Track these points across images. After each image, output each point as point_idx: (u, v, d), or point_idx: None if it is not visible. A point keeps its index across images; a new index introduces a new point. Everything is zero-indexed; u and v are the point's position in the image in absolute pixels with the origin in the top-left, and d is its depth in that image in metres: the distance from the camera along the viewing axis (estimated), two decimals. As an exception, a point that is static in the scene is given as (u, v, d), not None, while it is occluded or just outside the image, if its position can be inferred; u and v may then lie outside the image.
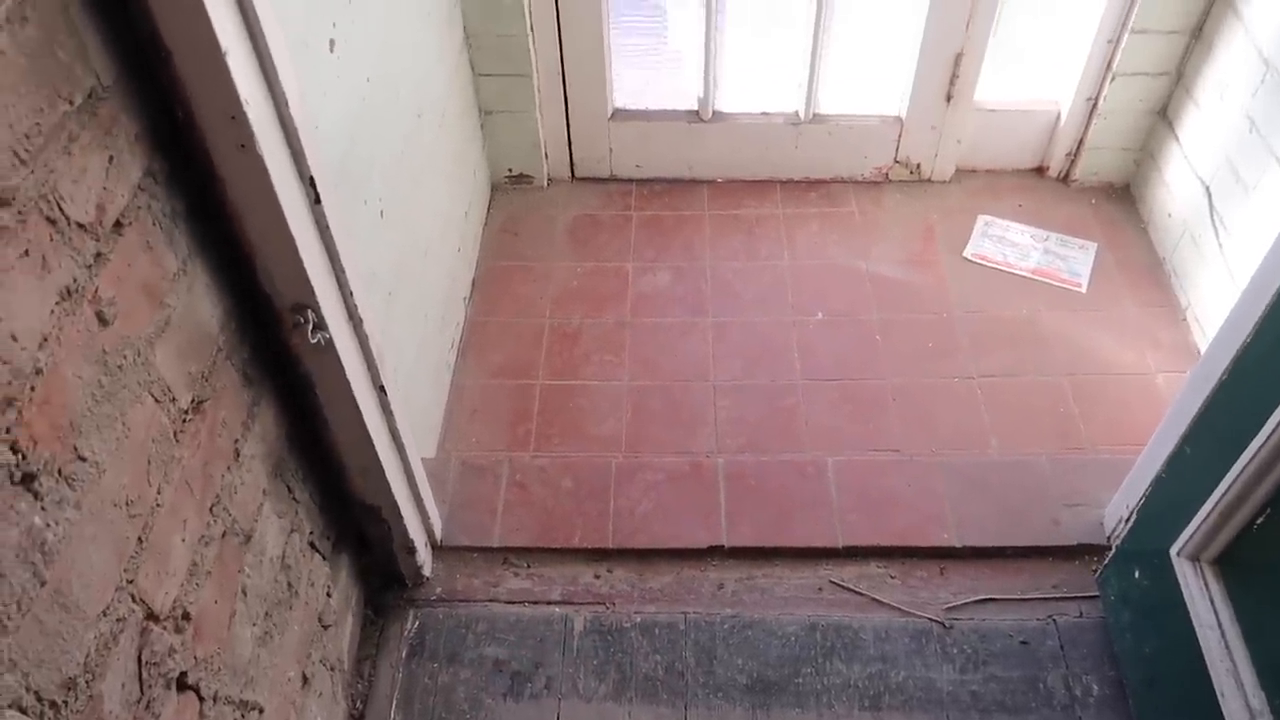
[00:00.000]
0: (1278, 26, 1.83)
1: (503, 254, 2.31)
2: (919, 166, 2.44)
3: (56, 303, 0.77)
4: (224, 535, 1.06)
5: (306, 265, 1.06)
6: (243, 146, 0.93)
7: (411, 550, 1.53)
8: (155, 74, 0.89)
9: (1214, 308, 2.02)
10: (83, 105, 0.80)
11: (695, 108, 2.37)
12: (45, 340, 0.75)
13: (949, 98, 2.29)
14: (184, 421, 0.97)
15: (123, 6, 0.84)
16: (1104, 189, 2.42)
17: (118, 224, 0.85)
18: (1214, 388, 1.21)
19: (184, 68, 0.88)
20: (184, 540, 0.97)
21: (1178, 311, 2.14)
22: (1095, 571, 1.53)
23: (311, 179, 1.05)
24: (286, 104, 0.98)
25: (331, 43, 1.36)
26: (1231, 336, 1.18)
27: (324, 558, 1.37)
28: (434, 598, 1.59)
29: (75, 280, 0.79)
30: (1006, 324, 2.12)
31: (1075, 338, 2.09)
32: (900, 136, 2.38)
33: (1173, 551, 1.23)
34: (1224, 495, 1.11)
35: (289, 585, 1.25)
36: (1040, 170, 2.48)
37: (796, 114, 2.36)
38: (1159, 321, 2.12)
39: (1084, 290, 2.18)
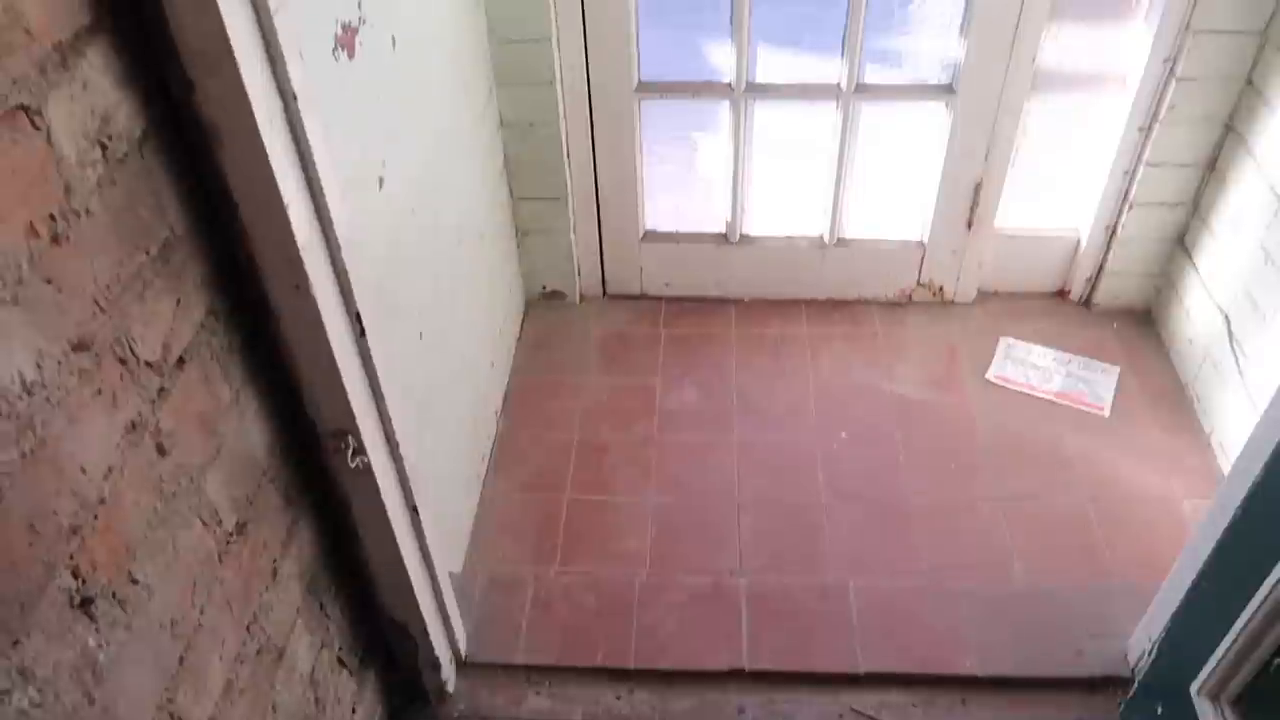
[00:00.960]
0: (1287, 164, 1.89)
1: (535, 369, 2.38)
2: (941, 289, 2.50)
3: (122, 435, 0.83)
4: (259, 653, 1.10)
5: (349, 394, 1.12)
6: (297, 287, 1.01)
7: (436, 667, 1.55)
8: (223, 222, 0.97)
9: (1237, 435, 2.03)
10: (157, 255, 0.88)
11: (724, 231, 2.46)
12: (110, 471, 0.82)
13: (970, 224, 2.36)
14: (228, 543, 1.02)
15: (196, 165, 0.93)
16: (1125, 313, 2.46)
17: (180, 360, 0.92)
18: (1228, 524, 1.22)
19: (250, 218, 0.96)
20: (221, 659, 1.01)
21: (1201, 437, 2.15)
22: (1119, 705, 1.51)
23: (358, 314, 1.12)
24: (339, 248, 1.06)
25: (380, 180, 1.46)
26: (1244, 474, 1.20)
27: (351, 673, 1.40)
28: (456, 716, 1.60)
29: (140, 414, 0.86)
30: (1030, 447, 2.14)
31: (1099, 462, 2.10)
32: (923, 260, 2.45)
33: (1193, 689, 1.23)
34: (1240, 634, 1.12)
35: (316, 701, 1.28)
36: (1062, 294, 2.53)
37: (821, 238, 2.44)
38: (1183, 447, 2.13)
39: (1107, 414, 2.21)
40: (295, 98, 0.94)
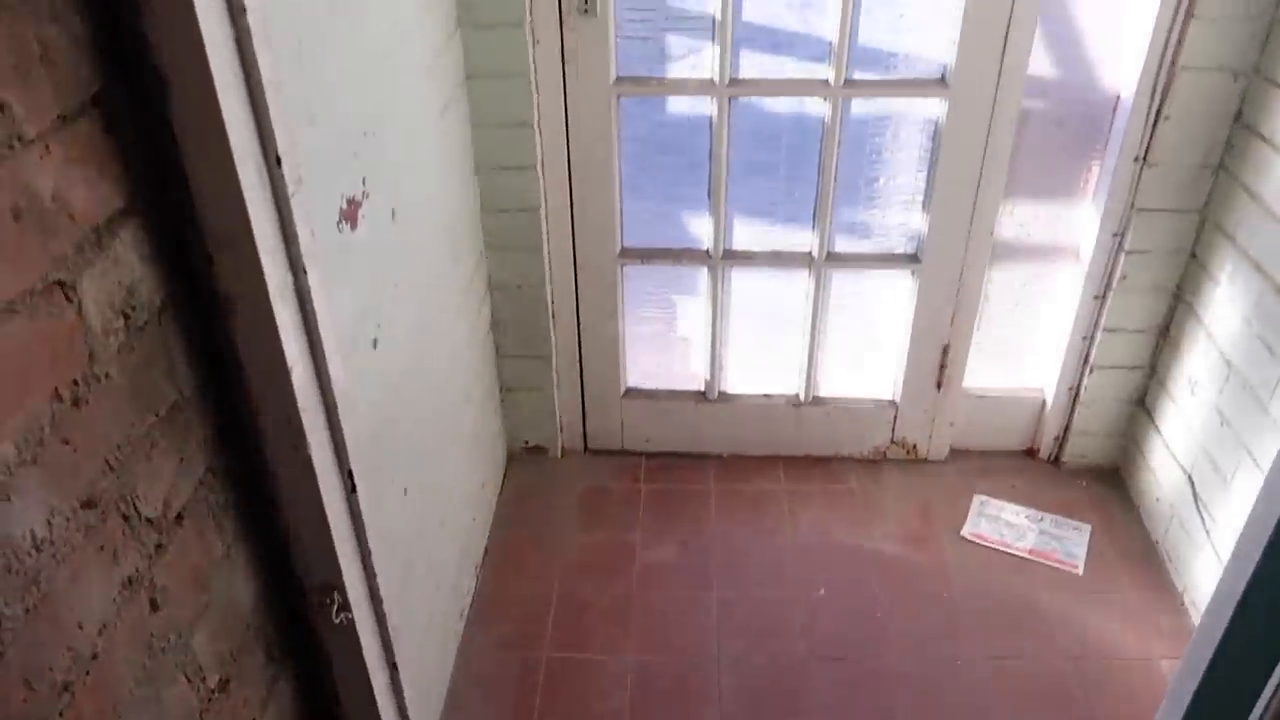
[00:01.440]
0: (1235, 331, 2.00)
1: (516, 523, 2.40)
2: (915, 446, 2.56)
3: (119, 591, 0.86)
4: (231, 817, 1.08)
5: (338, 550, 1.15)
6: (295, 446, 1.06)
7: (409, 834, 1.50)
8: (228, 384, 1.03)
9: (1209, 595, 2.05)
10: (165, 415, 0.93)
11: (703, 389, 2.54)
12: (104, 627, 0.84)
13: (939, 384, 2.45)
14: (210, 700, 1.02)
15: (208, 331, 0.99)
16: (1094, 471, 2.53)
17: (179, 516, 0.96)
18: (1196, 688, 1.24)
19: (254, 380, 1.01)
20: (195, 822, 1.00)
21: (1175, 596, 2.17)
22: None
23: (350, 471, 1.16)
24: (336, 407, 1.11)
25: (375, 341, 1.53)
26: (1208, 635, 1.23)
27: (321, 841, 1.36)
28: None
29: (137, 570, 0.88)
30: (1007, 605, 2.16)
31: (1076, 621, 2.11)
32: (895, 419, 2.52)
33: None
34: (1217, 799, 1.12)
35: None
36: (1031, 452, 2.60)
37: (797, 396, 2.52)
38: (1158, 606, 2.15)
39: (1080, 572, 2.23)
40: (305, 271, 1.01)
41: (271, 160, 0.93)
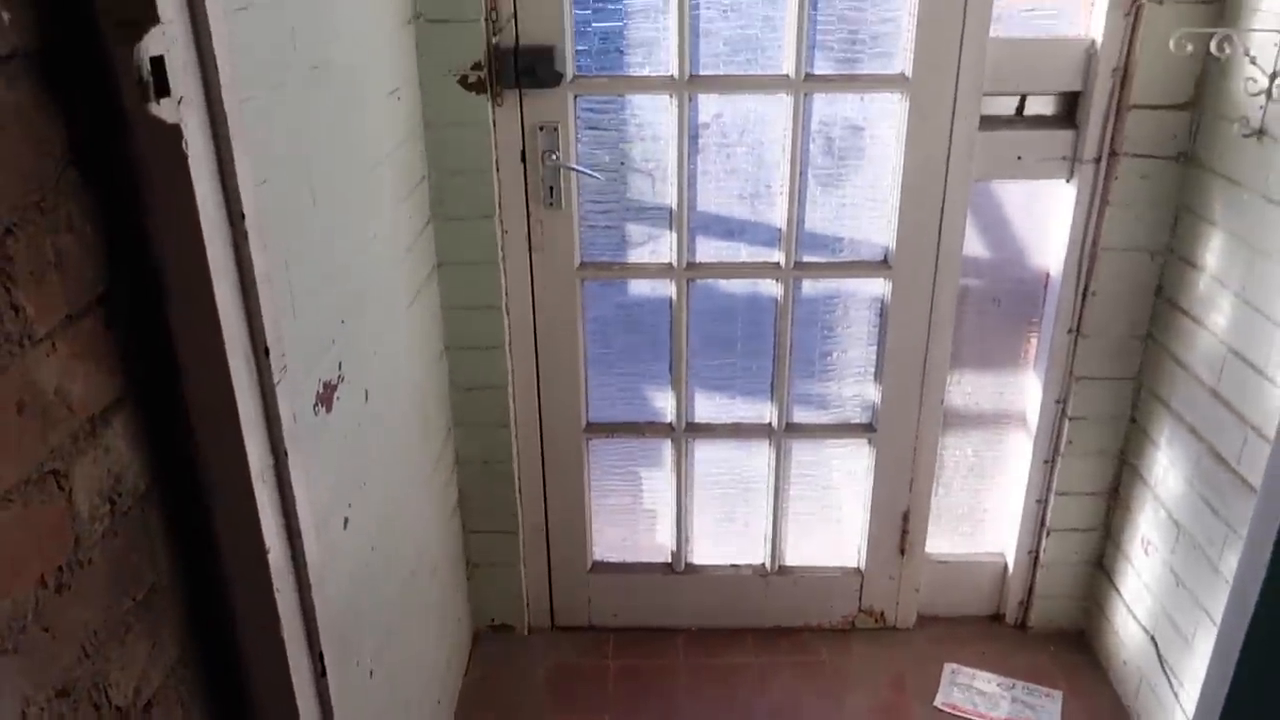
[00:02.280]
0: (1180, 492, 2.08)
1: (482, 704, 2.33)
2: (882, 614, 2.57)
3: (85, 785, 0.85)
4: None
5: (306, 736, 1.13)
6: (268, 629, 1.06)
7: None
8: (204, 568, 1.04)
9: (1184, 759, 2.04)
10: (142, 600, 0.94)
11: (669, 561, 2.55)
12: (69, 823, 0.82)
13: (902, 551, 2.49)
14: None
15: (189, 517, 1.01)
16: (1060, 635, 2.54)
17: (148, 704, 0.95)
18: None
19: (231, 564, 1.03)
20: None
21: (1152, 763, 2.15)
22: None
23: (320, 654, 1.16)
24: (309, 588, 1.12)
25: (346, 520, 1.55)
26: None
27: None
28: None
29: (105, 761, 0.87)
30: (985, 778, 2.12)
31: (1055, 793, 2.07)
32: (862, 586, 2.54)
33: None
34: None
35: None
36: (998, 617, 2.61)
37: (764, 566, 2.53)
38: (1136, 774, 2.12)
39: (1056, 741, 2.21)
40: (285, 454, 1.05)
41: (260, 352, 0.99)
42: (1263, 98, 1.79)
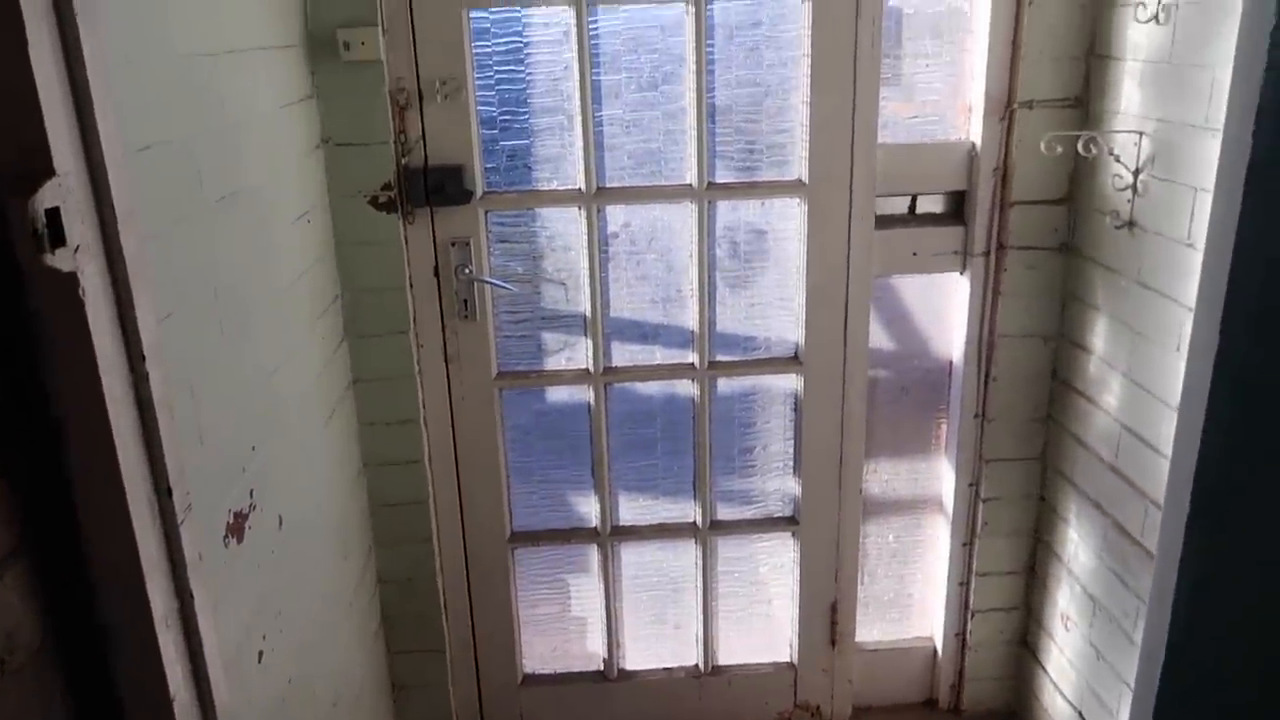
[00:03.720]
0: (1092, 567, 2.14)
1: (412, 838, 2.23)
2: (819, 708, 2.55)
3: None
4: None
5: None
6: (174, 782, 1.02)
7: None
8: (105, 716, 1.00)
9: (1121, 837, 2.05)
10: (37, 764, 0.90)
11: (602, 668, 2.50)
12: None
13: (833, 642, 2.49)
14: None
15: (86, 663, 0.98)
16: (993, 716, 2.55)
17: None
18: None
19: (133, 712, 0.99)
20: None
21: (1091, 843, 2.16)
22: None
23: (233, 803, 1.11)
24: (220, 736, 1.08)
25: (260, 655, 1.50)
26: None
27: None
28: None
29: None
30: None
31: None
32: (796, 681, 2.53)
33: None
34: None
35: None
36: (931, 703, 2.62)
37: (697, 667, 2.51)
38: None
39: (997, 827, 2.20)
40: (191, 596, 1.02)
41: (163, 492, 0.97)
42: (1129, 192, 1.93)
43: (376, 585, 2.27)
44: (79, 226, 0.86)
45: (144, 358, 0.93)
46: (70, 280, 0.84)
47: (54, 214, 0.83)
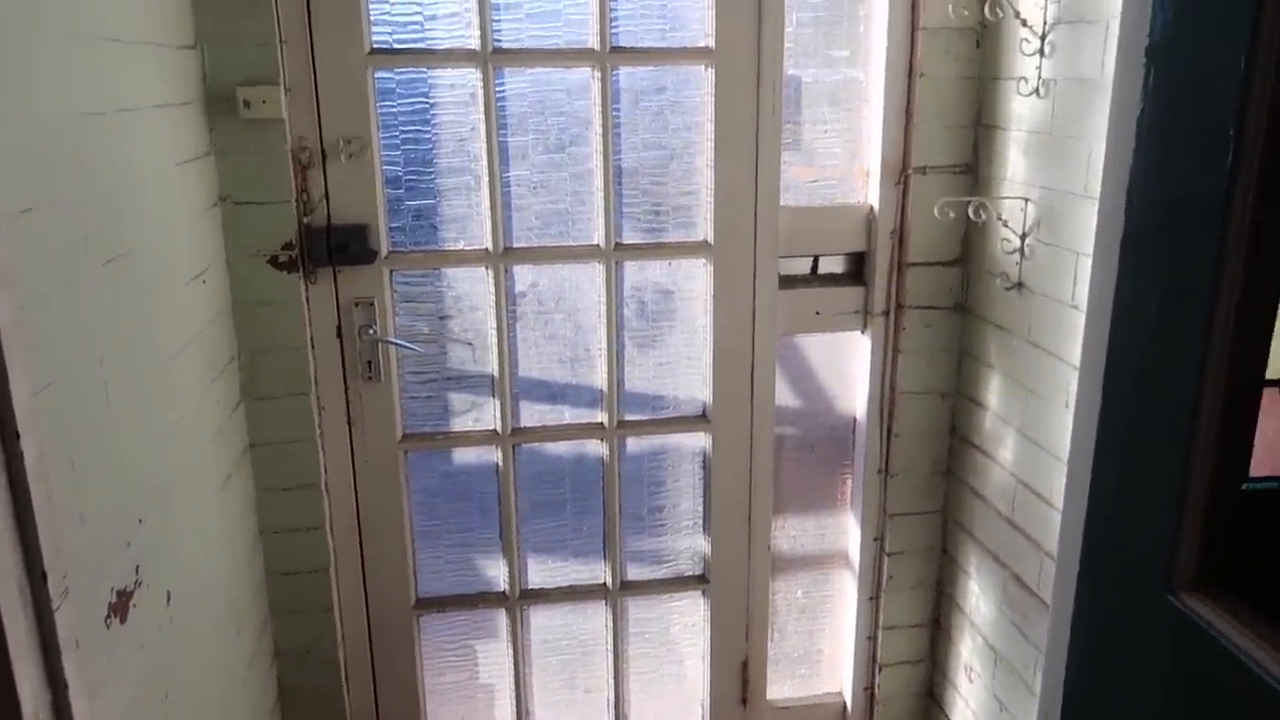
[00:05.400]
0: (993, 618, 2.19)
1: None
2: (732, 770, 2.53)
3: None
4: None
5: None
6: None
7: None
8: (-36, 830, 0.92)
9: None
10: None
11: (511, 737, 2.44)
12: None
13: (744, 701, 2.48)
14: None
15: (-52, 770, 0.90)
16: (904, 771, 2.57)
17: None
18: None
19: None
20: None
21: None
22: None
23: None
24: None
25: (144, 741, 1.41)
26: None
27: None
28: None
29: None
30: None
31: None
32: (708, 743, 2.50)
33: None
34: None
35: None
36: (843, 759, 2.62)
37: (609, 732, 2.46)
38: None
39: None
40: (66, 685, 0.96)
41: (36, 577, 0.91)
42: (1017, 255, 2.01)
43: (273, 658, 2.17)
44: (-51, 297, 0.81)
45: (18, 435, 0.88)
46: (-64, 355, 0.79)
47: (-80, 285, 0.78)
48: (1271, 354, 1.10)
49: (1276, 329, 1.11)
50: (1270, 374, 1.11)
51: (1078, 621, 1.45)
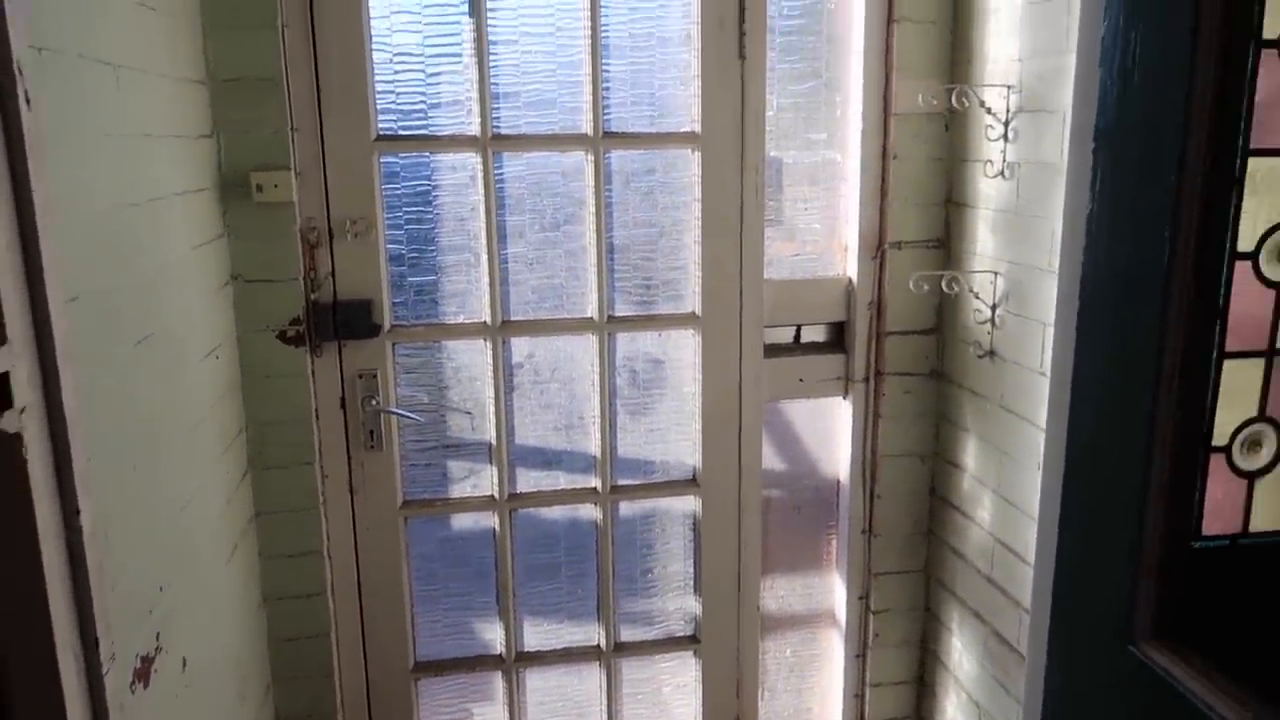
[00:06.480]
0: (975, 675, 2.26)
1: None
2: (725, 830, 2.56)
3: None
4: None
5: None
6: None
7: None
8: None
9: None
10: None
11: (506, 801, 2.46)
12: None
13: (737, 760, 2.53)
14: None
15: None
16: (893, 829, 2.61)
17: None
18: None
19: None
20: None
21: None
22: None
23: None
24: None
25: (161, 806, 1.45)
26: None
27: None
28: None
29: None
30: None
31: None
32: (701, 803, 2.54)
33: None
34: None
35: None
36: (834, 818, 2.66)
37: (603, 794, 2.50)
38: None
39: None
40: (112, 748, 1.02)
41: (90, 644, 0.98)
42: (988, 325, 2.13)
43: (273, 724, 2.21)
44: (24, 387, 0.89)
45: (78, 512, 0.96)
46: (15, 441, 0.88)
47: (3, 379, 0.86)
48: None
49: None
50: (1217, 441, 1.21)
51: (1049, 673, 1.53)
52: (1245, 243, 1.15)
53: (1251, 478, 1.22)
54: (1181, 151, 1.11)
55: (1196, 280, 1.16)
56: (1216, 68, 1.03)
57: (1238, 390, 1.18)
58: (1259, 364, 1.18)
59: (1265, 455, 1.21)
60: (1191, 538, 1.20)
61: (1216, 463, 1.21)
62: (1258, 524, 1.22)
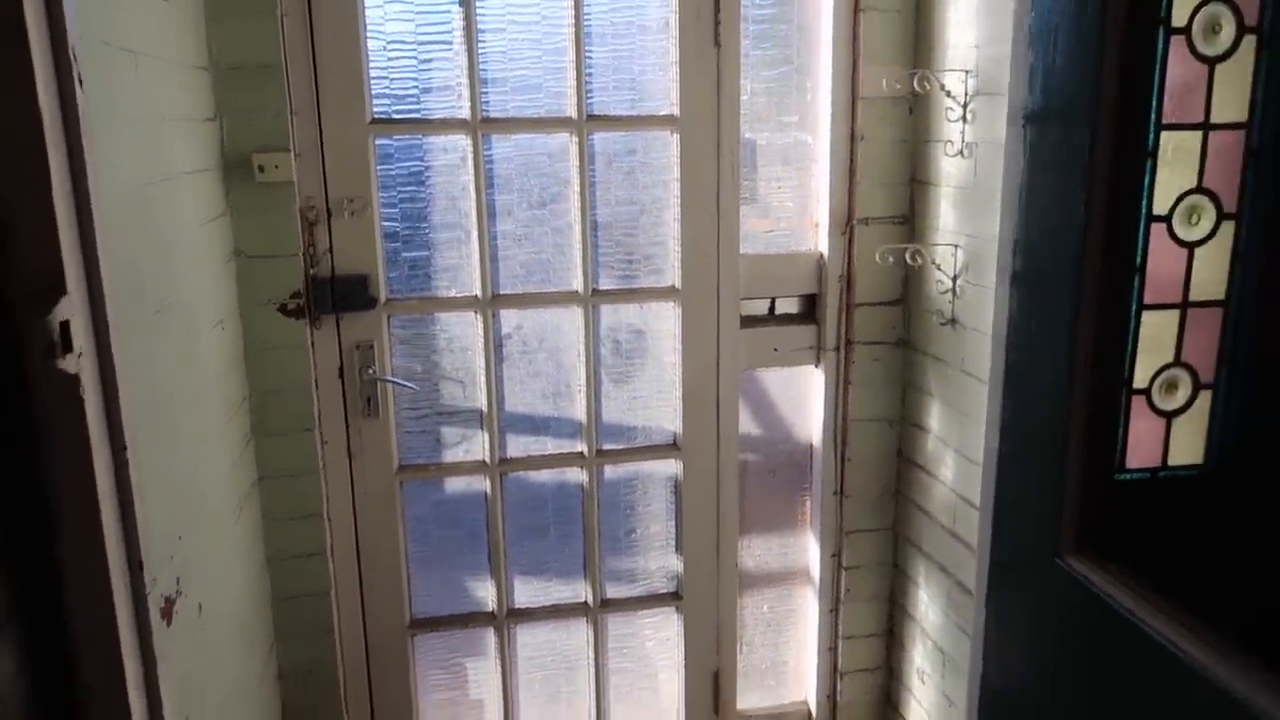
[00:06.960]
0: (940, 624, 2.41)
1: None
2: (706, 778, 2.71)
3: None
4: None
5: None
6: (136, 836, 1.12)
7: None
8: (73, 782, 1.10)
9: None
10: (21, 816, 1.00)
11: (499, 750, 2.60)
12: None
13: (716, 709, 2.67)
14: None
15: (61, 730, 1.08)
16: (865, 775, 2.77)
17: None
18: None
19: (101, 774, 1.10)
20: None
21: None
22: None
23: None
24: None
25: (185, 736, 1.58)
26: None
27: None
28: None
29: None
30: None
31: None
32: (684, 752, 2.68)
33: None
34: None
35: None
36: (809, 766, 2.81)
37: (591, 744, 2.64)
38: None
39: None
40: (155, 661, 1.14)
41: (135, 566, 1.10)
42: (950, 295, 2.27)
43: (278, 680, 2.33)
44: (81, 335, 1.02)
45: (125, 447, 1.08)
46: (74, 381, 1.00)
47: (64, 325, 0.98)
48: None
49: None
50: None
51: (990, 594, 1.68)
52: (1161, 207, 1.29)
53: (1169, 417, 1.37)
54: (1094, 127, 1.25)
55: (1110, 241, 1.30)
56: (1122, 51, 1.16)
57: (1156, 338, 1.32)
58: (1175, 314, 1.32)
59: (1181, 396, 1.36)
60: (1115, 470, 1.35)
61: (1139, 404, 1.35)
62: (1175, 459, 1.36)
